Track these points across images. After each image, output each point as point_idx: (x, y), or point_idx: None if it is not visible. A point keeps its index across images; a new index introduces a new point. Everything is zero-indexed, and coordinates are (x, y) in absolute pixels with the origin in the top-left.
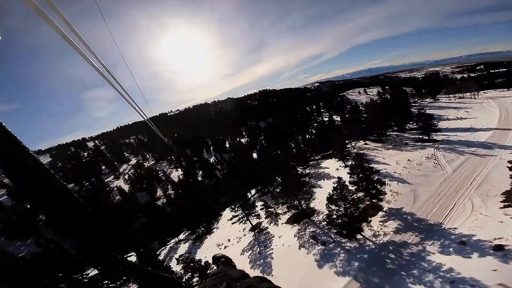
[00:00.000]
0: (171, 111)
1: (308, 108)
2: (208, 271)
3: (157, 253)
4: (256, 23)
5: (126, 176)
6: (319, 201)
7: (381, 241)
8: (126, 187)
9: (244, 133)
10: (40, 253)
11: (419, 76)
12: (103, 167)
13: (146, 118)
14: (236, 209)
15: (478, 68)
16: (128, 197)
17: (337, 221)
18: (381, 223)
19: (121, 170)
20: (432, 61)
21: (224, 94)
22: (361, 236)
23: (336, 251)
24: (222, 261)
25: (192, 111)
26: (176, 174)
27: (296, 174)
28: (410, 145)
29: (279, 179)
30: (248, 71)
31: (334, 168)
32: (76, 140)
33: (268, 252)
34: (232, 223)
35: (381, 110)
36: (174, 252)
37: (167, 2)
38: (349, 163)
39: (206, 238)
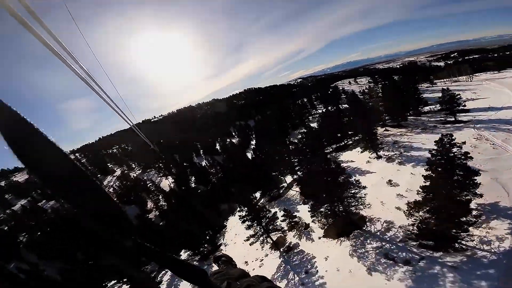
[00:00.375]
0: (154, 117)
1: (299, 101)
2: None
3: (158, 279)
4: (235, 24)
5: (111, 189)
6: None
7: (502, 249)
8: None
9: (233, 133)
10: (24, 281)
11: (397, 66)
12: None
13: (131, 124)
14: (253, 224)
15: (452, 56)
16: None
17: (419, 231)
18: (483, 225)
19: (105, 182)
20: (406, 52)
21: (208, 96)
22: (460, 246)
23: (435, 271)
24: (223, 260)
25: (177, 115)
26: (166, 183)
27: (335, 170)
28: (440, 127)
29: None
30: (230, 72)
31: (364, 161)
32: None
33: (317, 282)
34: (250, 244)
35: (394, 95)
36: (179, 279)
37: (143, 6)
38: (381, 153)
39: None
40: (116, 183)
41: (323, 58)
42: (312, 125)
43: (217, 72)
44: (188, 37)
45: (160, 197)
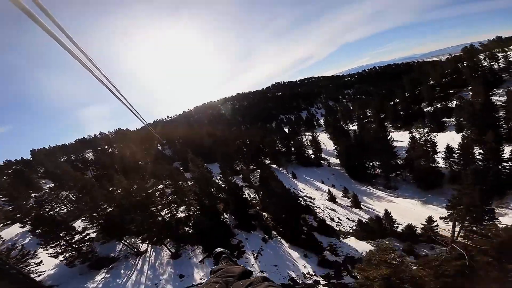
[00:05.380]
0: (168, 116)
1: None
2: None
3: None
4: (243, 31)
5: None
6: None
7: None
8: None
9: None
10: None
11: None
12: None
13: (145, 123)
14: None
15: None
16: None
17: None
18: None
19: None
20: (420, 54)
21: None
22: None
23: None
24: (224, 256)
25: (195, 113)
26: None
27: None
28: None
29: None
30: (238, 79)
31: None
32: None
33: None
34: None
35: None
36: None
37: (154, 13)
38: None
39: None
40: None
41: (332, 64)
42: None
43: (225, 81)
44: (196, 45)
45: None
